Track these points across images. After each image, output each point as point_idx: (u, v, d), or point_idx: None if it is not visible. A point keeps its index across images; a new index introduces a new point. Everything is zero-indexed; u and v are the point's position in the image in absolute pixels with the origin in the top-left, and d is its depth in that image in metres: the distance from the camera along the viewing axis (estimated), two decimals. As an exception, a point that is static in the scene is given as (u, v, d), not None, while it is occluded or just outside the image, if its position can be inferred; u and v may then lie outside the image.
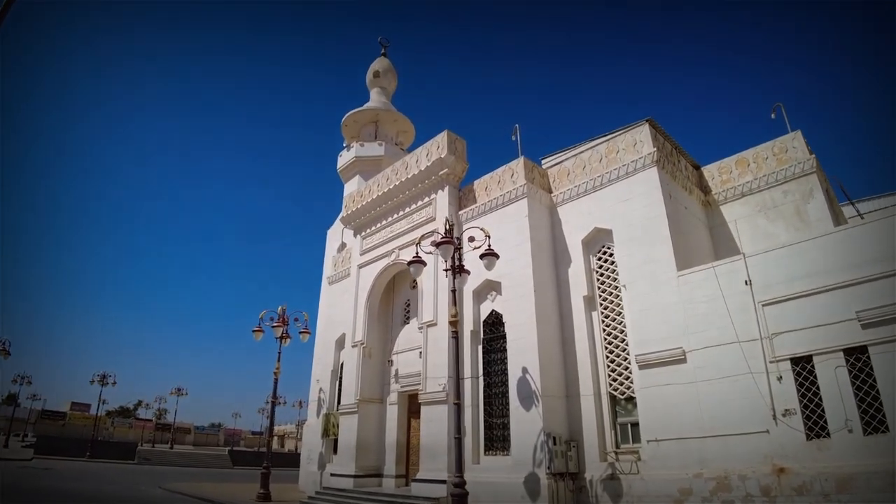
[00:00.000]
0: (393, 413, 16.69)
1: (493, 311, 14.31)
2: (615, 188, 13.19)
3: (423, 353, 14.87)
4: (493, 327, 14.29)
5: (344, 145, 27.12)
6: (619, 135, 13.68)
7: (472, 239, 11.91)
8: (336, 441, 18.27)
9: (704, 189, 14.65)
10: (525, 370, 12.50)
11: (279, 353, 18.10)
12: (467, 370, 14.20)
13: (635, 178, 12.82)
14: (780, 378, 9.63)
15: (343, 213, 20.07)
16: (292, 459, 40.04)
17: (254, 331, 17.93)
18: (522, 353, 12.74)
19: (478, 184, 15.97)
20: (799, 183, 12.92)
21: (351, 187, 25.71)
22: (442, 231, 14.23)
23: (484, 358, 14.17)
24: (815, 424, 9.17)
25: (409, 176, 17.10)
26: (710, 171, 14.75)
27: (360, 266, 18.82)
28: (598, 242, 13.48)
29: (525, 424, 12.13)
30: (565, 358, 13.02)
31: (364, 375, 17.09)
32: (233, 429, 79.78)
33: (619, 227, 12.79)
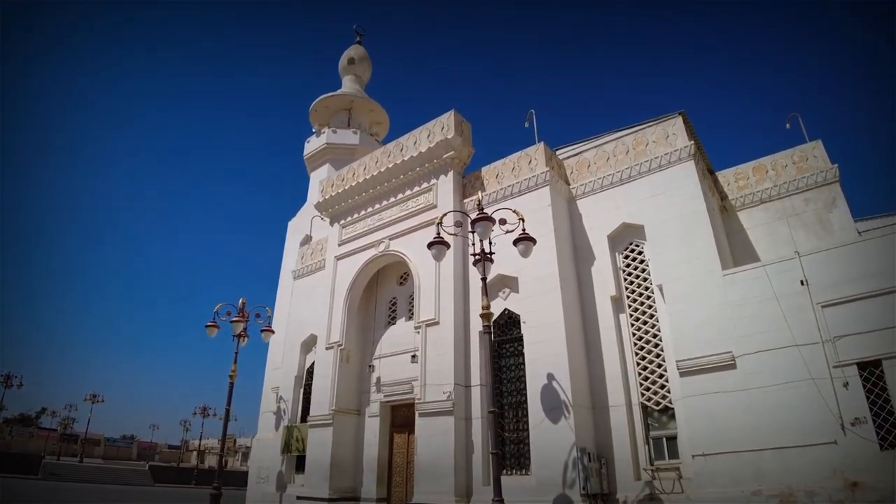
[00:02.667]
0: (373, 426, 14.51)
1: (505, 309, 12.81)
2: (646, 181, 12.31)
3: (421, 357, 12.99)
4: (506, 328, 12.78)
5: (313, 131, 24.81)
6: (649, 127, 12.93)
7: (503, 222, 10.39)
8: (299, 458, 15.72)
9: (721, 194, 14.26)
10: (551, 377, 11.05)
11: (236, 353, 15.27)
12: (475, 376, 12.53)
13: (670, 172, 12.03)
14: (846, 384, 8.91)
15: (319, 199, 17.81)
16: (227, 477, 35.64)
17: (207, 326, 15.07)
18: (547, 357, 11.29)
19: (486, 171, 14.59)
20: (821, 192, 12.79)
21: (319, 176, 23.44)
22: (447, 219, 12.80)
23: (494, 363, 12.56)
24: (889, 434, 8.48)
25: (404, 158, 15.37)
26: (726, 176, 14.41)
27: (339, 258, 16.63)
28: (626, 239, 12.49)
29: (551, 439, 10.60)
30: (590, 364, 11.74)
31: (340, 382, 14.81)
32: (148, 441, 70.75)
33: (652, 222, 11.86)
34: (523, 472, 11.18)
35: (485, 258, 10.00)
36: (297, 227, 22.69)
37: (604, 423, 11.13)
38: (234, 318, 15.14)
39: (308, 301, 17.69)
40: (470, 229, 10.22)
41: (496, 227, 10.13)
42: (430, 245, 10.34)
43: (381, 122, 26.56)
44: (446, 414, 11.90)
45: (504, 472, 11.53)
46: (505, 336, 12.71)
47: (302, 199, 24.46)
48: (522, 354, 12.08)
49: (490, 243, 10.10)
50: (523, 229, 10.16)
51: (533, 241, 10.10)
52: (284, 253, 22.39)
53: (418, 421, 12.52)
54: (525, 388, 11.68)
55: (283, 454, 15.93)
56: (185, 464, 54.14)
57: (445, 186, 14.54)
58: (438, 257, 10.31)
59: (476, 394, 12.27)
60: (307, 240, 21.60)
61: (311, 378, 16.62)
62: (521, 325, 12.23)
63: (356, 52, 27.04)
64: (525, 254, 10.11)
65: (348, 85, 26.43)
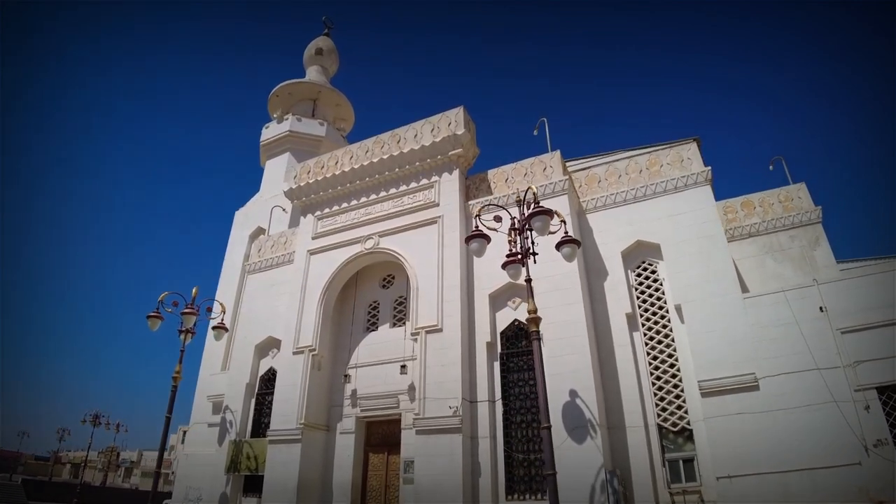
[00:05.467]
0: (346, 444, 12.72)
1: (515, 320, 11.99)
2: (661, 202, 12.35)
3: (420, 367, 11.67)
4: (514, 340, 11.93)
5: (273, 117, 22.60)
6: (663, 149, 13.12)
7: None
8: (248, 478, 13.33)
9: (711, 224, 14.81)
10: (574, 393, 10.33)
11: (182, 350, 12.83)
12: (481, 391, 11.46)
13: (686, 194, 12.17)
14: (867, 407, 9.22)
15: (292, 185, 15.86)
16: (111, 496, 30.60)
17: (149, 317, 12.52)
18: (569, 372, 10.57)
19: (494, 173, 13.89)
20: (805, 230, 13.73)
21: (276, 165, 21.36)
22: (451, 216, 11.90)
23: (502, 378, 11.60)
24: (910, 458, 8.83)
25: (402, 151, 14.22)
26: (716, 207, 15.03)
27: (312, 252, 14.80)
28: (639, 256, 12.35)
29: (575, 461, 9.77)
30: (605, 382, 11.21)
31: (311, 393, 12.87)
32: (12, 451, 57.66)
33: (669, 242, 11.83)
34: (538, 496, 10.21)
35: (525, 257, 9.18)
36: (246, 218, 20.19)
37: (621, 444, 10.58)
38: (185, 310, 12.73)
39: (267, 299, 15.47)
40: (515, 226, 9.38)
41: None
42: (468, 239, 9.31)
43: (346, 118, 24.97)
44: (453, 431, 10.63)
45: (514, 496, 10.52)
46: (513, 349, 11.84)
47: (247, 188, 21.96)
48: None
49: (533, 242, 9.31)
50: (566, 231, 9.50)
51: (578, 243, 9.46)
52: (230, 245, 19.74)
53: (416, 439, 11.06)
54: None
55: (228, 473, 13.34)
56: (57, 478, 45.33)
57: (449, 185, 13.58)
58: (479, 252, 9.27)
59: (483, 410, 11.19)
60: (259, 232, 19.28)
61: (267, 387, 14.41)
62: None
63: (325, 43, 25.43)
64: (570, 257, 9.41)
65: (314, 75, 24.64)
